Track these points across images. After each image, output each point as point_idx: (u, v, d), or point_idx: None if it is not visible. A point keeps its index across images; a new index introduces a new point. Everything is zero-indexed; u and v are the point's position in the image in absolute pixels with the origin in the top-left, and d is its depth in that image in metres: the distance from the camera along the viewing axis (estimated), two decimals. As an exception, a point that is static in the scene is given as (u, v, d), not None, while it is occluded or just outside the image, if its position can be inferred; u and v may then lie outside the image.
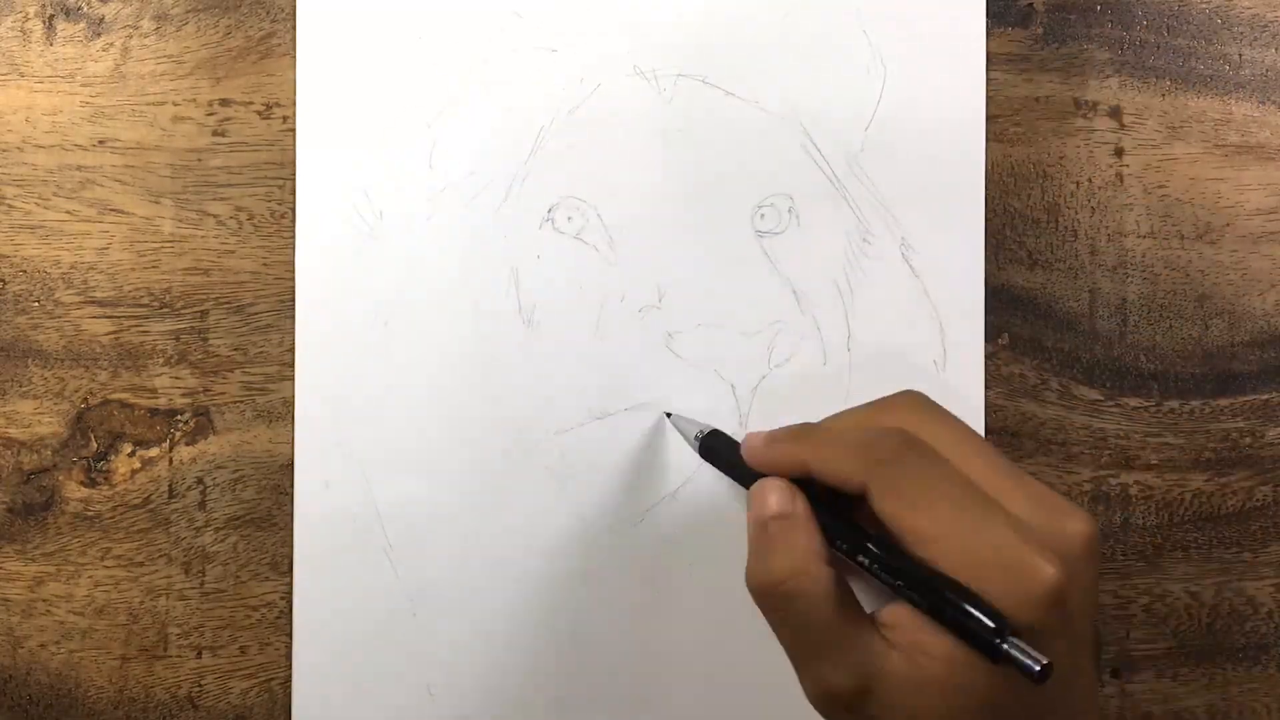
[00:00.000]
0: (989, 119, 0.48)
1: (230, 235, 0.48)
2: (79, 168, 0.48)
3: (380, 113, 0.47)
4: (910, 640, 0.34)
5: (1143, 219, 0.48)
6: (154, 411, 0.48)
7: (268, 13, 0.48)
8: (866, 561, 0.35)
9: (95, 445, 0.48)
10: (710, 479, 0.47)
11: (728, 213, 0.48)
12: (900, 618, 0.34)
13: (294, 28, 0.48)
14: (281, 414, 0.48)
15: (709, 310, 0.47)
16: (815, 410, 0.47)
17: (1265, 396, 0.48)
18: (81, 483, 0.48)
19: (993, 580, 0.33)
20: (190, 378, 0.48)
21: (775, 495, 0.37)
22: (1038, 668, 0.31)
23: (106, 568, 0.48)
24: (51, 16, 0.48)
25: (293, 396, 0.47)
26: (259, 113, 0.48)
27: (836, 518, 0.36)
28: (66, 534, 0.48)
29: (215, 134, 0.48)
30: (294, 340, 0.47)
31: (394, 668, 0.47)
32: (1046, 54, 0.48)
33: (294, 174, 0.47)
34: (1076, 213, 0.48)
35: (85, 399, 0.48)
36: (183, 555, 0.48)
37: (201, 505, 0.48)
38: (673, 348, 0.47)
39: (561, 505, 0.47)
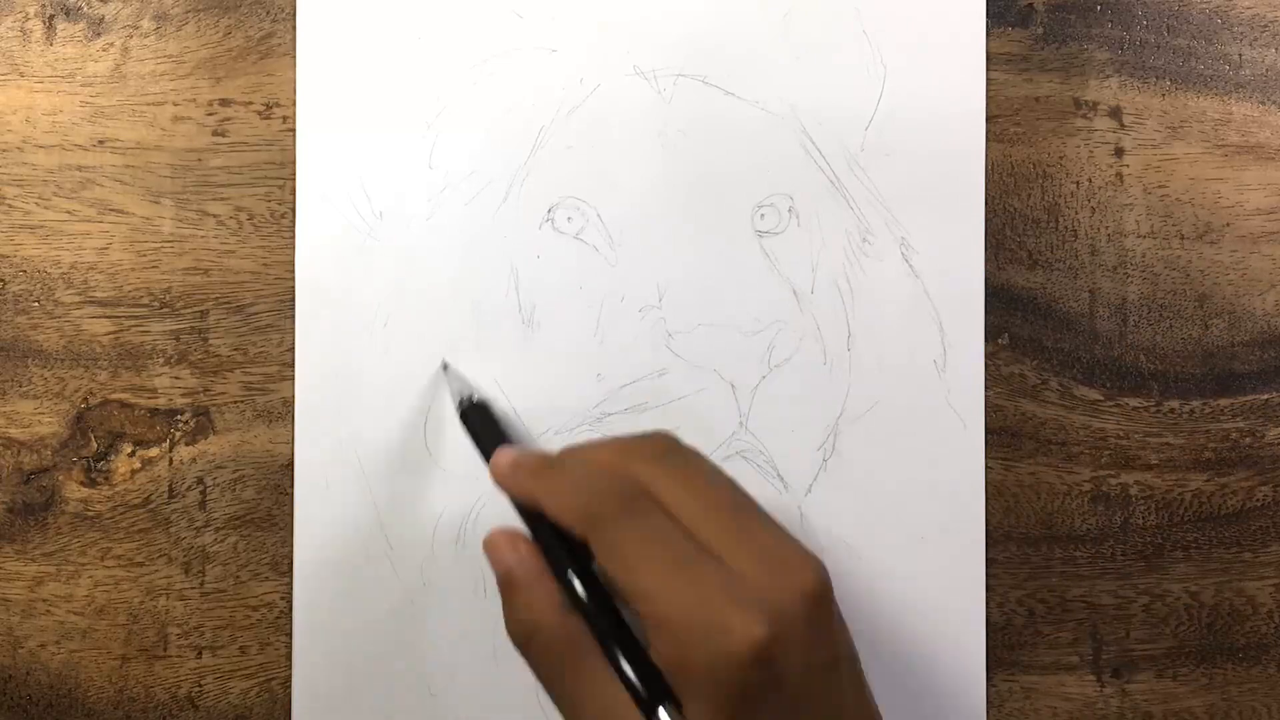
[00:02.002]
0: (989, 119, 0.48)
1: (230, 235, 0.48)
2: (79, 168, 0.48)
3: (380, 113, 0.47)
4: None
5: (1143, 219, 0.48)
6: (154, 411, 0.48)
7: (268, 13, 0.48)
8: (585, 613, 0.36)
9: (95, 445, 0.48)
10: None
11: (727, 213, 0.48)
12: None
13: (294, 28, 0.48)
14: (281, 414, 0.48)
15: (709, 310, 0.47)
16: (815, 410, 0.48)
17: (1265, 396, 0.48)
18: (81, 483, 0.48)
19: (696, 639, 0.33)
20: (190, 378, 0.48)
21: (507, 549, 0.38)
22: None
23: (106, 568, 0.48)
24: (51, 16, 0.48)
25: (293, 396, 0.47)
26: (259, 113, 0.48)
27: (571, 559, 0.37)
28: (66, 534, 0.48)
29: (215, 134, 0.48)
30: (294, 340, 0.47)
31: (394, 668, 0.47)
32: (1046, 54, 0.48)
33: (294, 174, 0.47)
34: (1076, 213, 0.48)
35: (85, 399, 0.48)
36: (183, 555, 0.48)
37: (201, 505, 0.48)
38: (673, 348, 0.47)
39: (561, 505, 0.47)
